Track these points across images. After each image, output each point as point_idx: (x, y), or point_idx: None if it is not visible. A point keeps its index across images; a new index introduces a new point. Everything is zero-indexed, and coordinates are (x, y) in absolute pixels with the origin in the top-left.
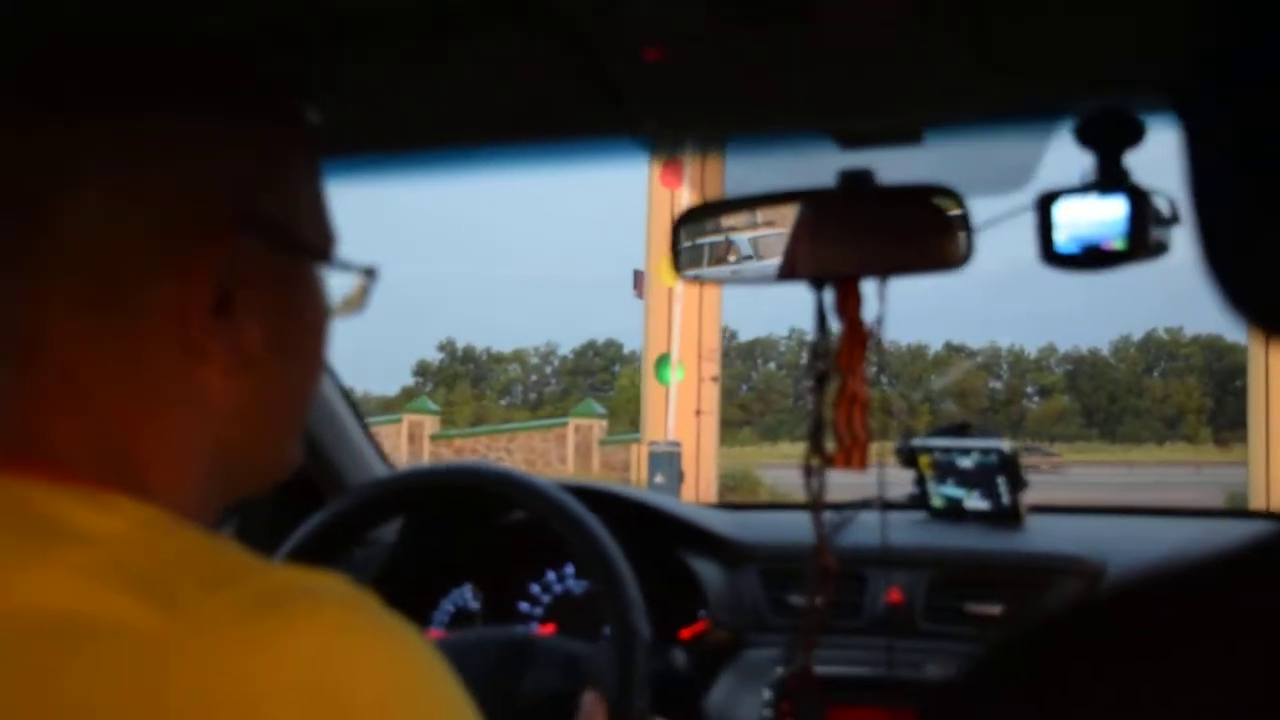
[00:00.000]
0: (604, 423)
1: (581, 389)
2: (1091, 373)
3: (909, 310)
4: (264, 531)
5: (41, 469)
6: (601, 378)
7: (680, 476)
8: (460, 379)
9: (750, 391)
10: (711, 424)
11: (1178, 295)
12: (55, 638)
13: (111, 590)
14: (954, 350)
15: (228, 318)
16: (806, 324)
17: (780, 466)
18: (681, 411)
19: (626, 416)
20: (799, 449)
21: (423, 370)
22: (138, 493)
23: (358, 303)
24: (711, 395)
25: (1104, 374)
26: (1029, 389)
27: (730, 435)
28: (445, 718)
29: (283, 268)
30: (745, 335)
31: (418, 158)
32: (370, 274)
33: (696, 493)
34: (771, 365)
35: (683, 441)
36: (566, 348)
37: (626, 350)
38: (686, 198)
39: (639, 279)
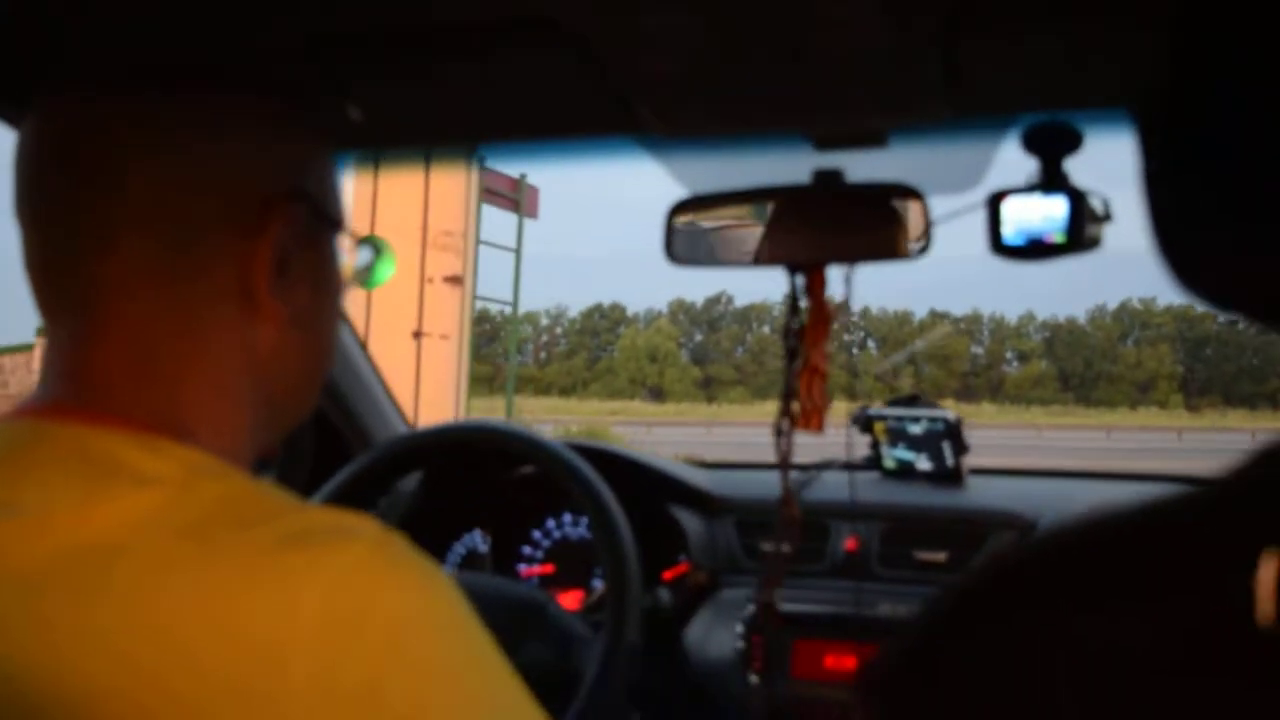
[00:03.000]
0: None
1: (589, 348)
2: (1068, 340)
3: (896, 280)
4: (300, 482)
5: (102, 416)
6: (605, 338)
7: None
8: (475, 335)
9: (745, 353)
10: (446, 353)
11: (1151, 268)
12: (107, 569)
13: (158, 529)
14: (938, 317)
15: (284, 278)
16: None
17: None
18: (392, 331)
19: (626, 375)
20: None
21: None
22: (188, 438)
23: (366, 274)
24: (451, 309)
25: (1080, 341)
26: (1008, 354)
27: (723, 393)
28: (467, 653)
29: (319, 238)
30: (741, 300)
31: (447, 153)
32: (380, 248)
33: None
34: (766, 329)
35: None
36: (575, 310)
37: (630, 313)
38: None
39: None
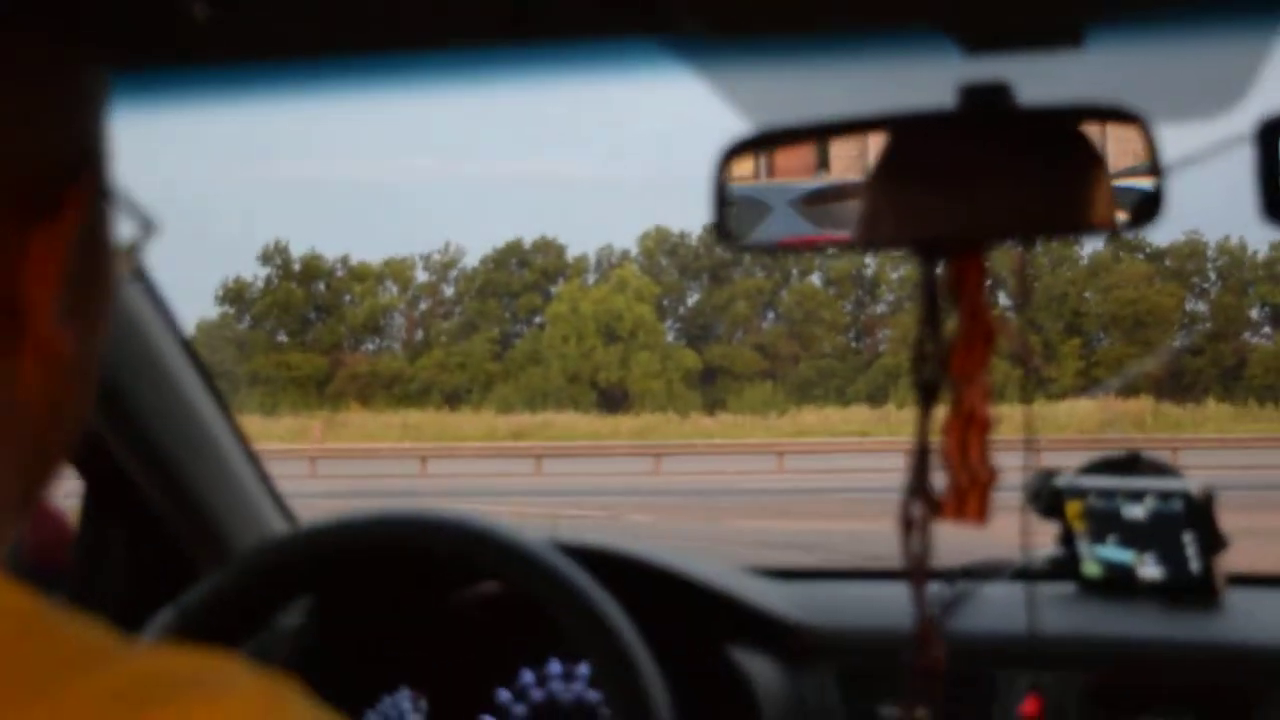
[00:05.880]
0: None
1: (499, 319)
2: None
3: None
4: (108, 612)
5: None
6: (528, 301)
7: None
8: (295, 303)
9: (778, 322)
10: None
11: None
12: None
13: None
14: (1123, 251)
15: (71, 293)
16: None
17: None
18: None
19: (563, 367)
20: (834, 419)
21: (236, 294)
22: None
23: (133, 256)
24: None
25: None
26: (1253, 311)
27: (736, 393)
28: None
29: (103, 219)
30: None
31: (362, 66)
32: (150, 226)
33: None
34: (814, 279)
35: None
36: (476, 254)
37: (572, 255)
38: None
39: None
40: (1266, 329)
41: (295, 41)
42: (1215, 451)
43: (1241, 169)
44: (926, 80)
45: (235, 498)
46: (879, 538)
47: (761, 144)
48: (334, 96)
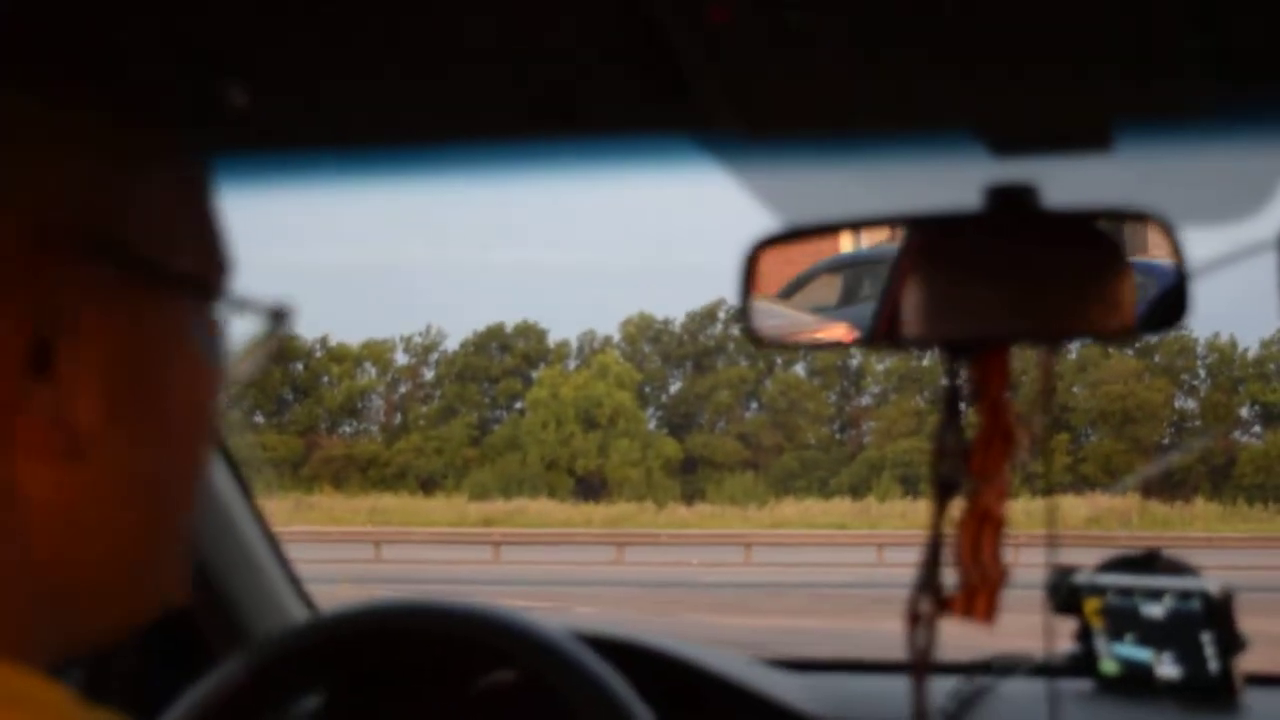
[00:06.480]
0: None
1: (478, 403)
2: None
3: None
4: (124, 697)
5: None
6: (507, 385)
7: None
8: (271, 384)
9: (761, 411)
10: None
11: None
12: None
13: None
14: (1113, 348)
15: (49, 379)
16: None
17: None
18: None
19: (541, 453)
20: (815, 511)
21: None
22: None
23: (260, 355)
24: None
25: None
26: (1244, 410)
27: (716, 484)
28: None
29: (140, 306)
30: None
31: (394, 156)
32: (280, 316)
33: None
34: (799, 369)
35: None
36: (456, 337)
37: (553, 339)
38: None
39: None
40: (1257, 426)
41: (315, 133)
42: (1203, 551)
43: (1233, 267)
44: (953, 181)
45: (254, 580)
46: (836, 638)
47: (788, 240)
48: (390, 186)
